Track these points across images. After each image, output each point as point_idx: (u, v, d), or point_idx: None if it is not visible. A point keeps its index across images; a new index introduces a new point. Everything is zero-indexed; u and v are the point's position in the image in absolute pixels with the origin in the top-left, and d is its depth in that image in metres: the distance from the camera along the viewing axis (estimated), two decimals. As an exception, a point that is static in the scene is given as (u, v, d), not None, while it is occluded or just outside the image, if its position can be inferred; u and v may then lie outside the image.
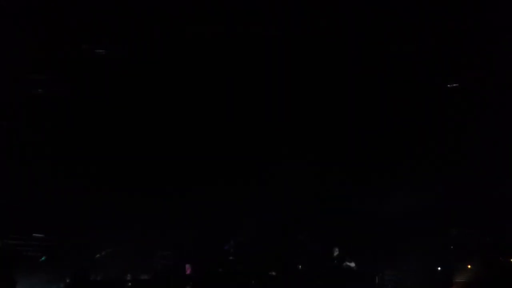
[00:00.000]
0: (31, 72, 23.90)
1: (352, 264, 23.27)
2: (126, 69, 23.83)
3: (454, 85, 24.46)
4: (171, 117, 24.41)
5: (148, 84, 24.03)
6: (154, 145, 24.54)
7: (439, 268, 24.38)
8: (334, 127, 24.84)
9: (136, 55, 23.74)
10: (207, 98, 24.21)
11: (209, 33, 23.09)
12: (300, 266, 23.87)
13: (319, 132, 24.99)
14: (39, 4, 22.58)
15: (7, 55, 23.13)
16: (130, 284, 22.37)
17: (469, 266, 24.08)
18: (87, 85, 24.10)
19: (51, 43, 23.42)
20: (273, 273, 23.61)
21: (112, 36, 23.66)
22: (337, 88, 24.45)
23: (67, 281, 22.85)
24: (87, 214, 24.43)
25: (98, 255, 24.81)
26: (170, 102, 24.12)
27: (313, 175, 25.12)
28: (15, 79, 23.93)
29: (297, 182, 25.42)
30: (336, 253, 23.39)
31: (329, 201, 25.45)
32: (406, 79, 24.29)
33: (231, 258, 23.75)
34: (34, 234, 24.26)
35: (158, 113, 24.43)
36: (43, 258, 23.91)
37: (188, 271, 23.80)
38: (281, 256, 24.22)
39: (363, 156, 25.11)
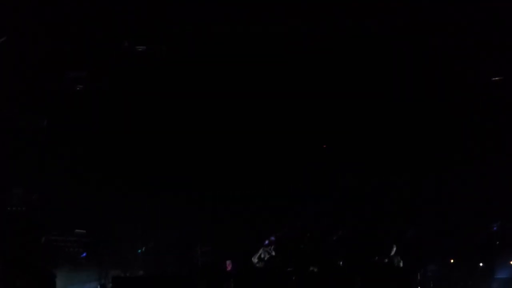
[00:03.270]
0: (72, 68, 24.02)
1: (396, 261, 23.16)
2: (166, 66, 23.83)
3: (498, 78, 24.17)
4: (211, 113, 24.40)
5: (187, 80, 24.04)
6: (193, 141, 24.60)
7: (481, 264, 24.24)
8: (381, 123, 24.68)
9: (175, 52, 23.74)
10: (248, 94, 24.12)
11: (245, 31, 23.00)
12: (340, 263, 23.79)
13: (362, 130, 24.87)
14: (81, 2, 22.65)
15: (49, 52, 23.25)
16: (171, 279, 22.43)
17: (511, 262, 23.89)
18: (128, 82, 24.16)
19: (92, 40, 23.48)
20: (314, 269, 23.59)
21: (152, 33, 23.68)
22: (378, 83, 24.27)
23: (110, 277, 22.96)
24: (129, 210, 24.65)
25: (140, 251, 25.00)
26: (210, 98, 24.09)
27: (354, 171, 25.11)
28: (57, 75, 24.09)
29: (338, 177, 25.43)
30: (393, 251, 23.26)
31: (369, 197, 25.43)
32: (451, 72, 24.03)
33: (272, 254, 23.68)
34: (75, 230, 24.48)
35: (198, 109, 24.45)
36: (84, 254, 24.13)
37: (228, 268, 23.81)
38: (322, 252, 24.17)
39: (405, 150, 24.98)
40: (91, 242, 24.42)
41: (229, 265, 23.82)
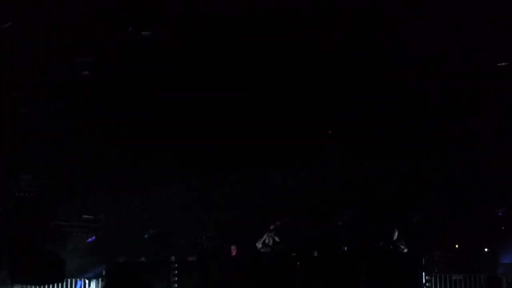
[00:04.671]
0: (78, 54, 24.07)
1: (405, 249, 23.23)
2: (172, 51, 23.82)
3: (504, 63, 24.05)
4: (216, 98, 24.40)
5: (193, 65, 24.02)
6: (198, 126, 24.66)
7: (486, 249, 24.24)
8: (385, 107, 24.61)
9: (182, 37, 23.70)
10: (254, 78, 24.06)
11: (253, 16, 22.90)
12: (345, 248, 23.91)
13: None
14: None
15: (55, 38, 23.30)
16: (176, 265, 22.61)
17: (515, 247, 23.88)
18: (134, 67, 24.17)
19: (97, 26, 23.49)
20: (318, 255, 23.71)
21: (158, 17, 23.64)
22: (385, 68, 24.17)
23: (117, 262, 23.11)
24: (135, 196, 24.86)
25: (145, 236, 25.15)
26: (216, 84, 24.08)
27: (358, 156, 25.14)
28: (63, 61, 24.14)
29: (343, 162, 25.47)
30: (395, 236, 23.31)
31: (373, 181, 25.50)
32: (456, 57, 23.91)
33: (276, 239, 23.79)
34: (83, 216, 24.66)
35: (204, 94, 24.46)
36: (92, 239, 24.30)
37: (233, 253, 23.98)
38: (326, 237, 24.29)
39: (409, 134, 24.95)
40: (99, 228, 24.59)
41: (234, 250, 23.99)
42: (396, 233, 23.31)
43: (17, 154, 23.96)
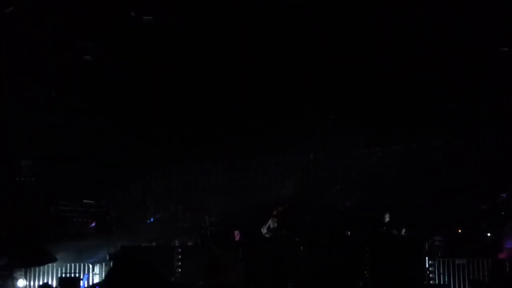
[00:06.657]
0: (79, 39, 23.91)
1: (403, 231, 23.18)
2: (174, 36, 23.68)
3: (506, 49, 23.97)
4: (220, 84, 24.31)
5: (196, 51, 23.90)
6: (201, 111, 24.62)
7: (488, 234, 24.26)
8: (388, 92, 24.53)
9: (184, 22, 23.56)
10: (260, 65, 23.93)
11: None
12: (348, 233, 23.84)
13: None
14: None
15: (56, 23, 23.14)
16: (179, 250, 22.56)
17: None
18: (135, 52, 24.04)
19: (99, 11, 23.33)
20: (322, 240, 23.66)
21: (160, 2, 23.49)
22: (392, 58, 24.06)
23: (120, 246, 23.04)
24: (138, 180, 24.80)
25: (149, 221, 25.15)
26: (219, 70, 23.96)
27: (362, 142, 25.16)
28: (64, 46, 23.99)
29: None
30: (387, 219, 23.27)
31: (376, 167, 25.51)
32: (459, 43, 23.83)
33: (280, 224, 23.70)
34: (84, 201, 24.59)
35: (206, 80, 24.36)
36: (93, 224, 24.24)
37: (237, 238, 23.92)
38: (330, 222, 24.28)
39: (413, 119, 24.93)
40: (100, 212, 24.52)
41: (237, 235, 23.92)
42: (399, 218, 23.32)
43: (19, 139, 23.86)
